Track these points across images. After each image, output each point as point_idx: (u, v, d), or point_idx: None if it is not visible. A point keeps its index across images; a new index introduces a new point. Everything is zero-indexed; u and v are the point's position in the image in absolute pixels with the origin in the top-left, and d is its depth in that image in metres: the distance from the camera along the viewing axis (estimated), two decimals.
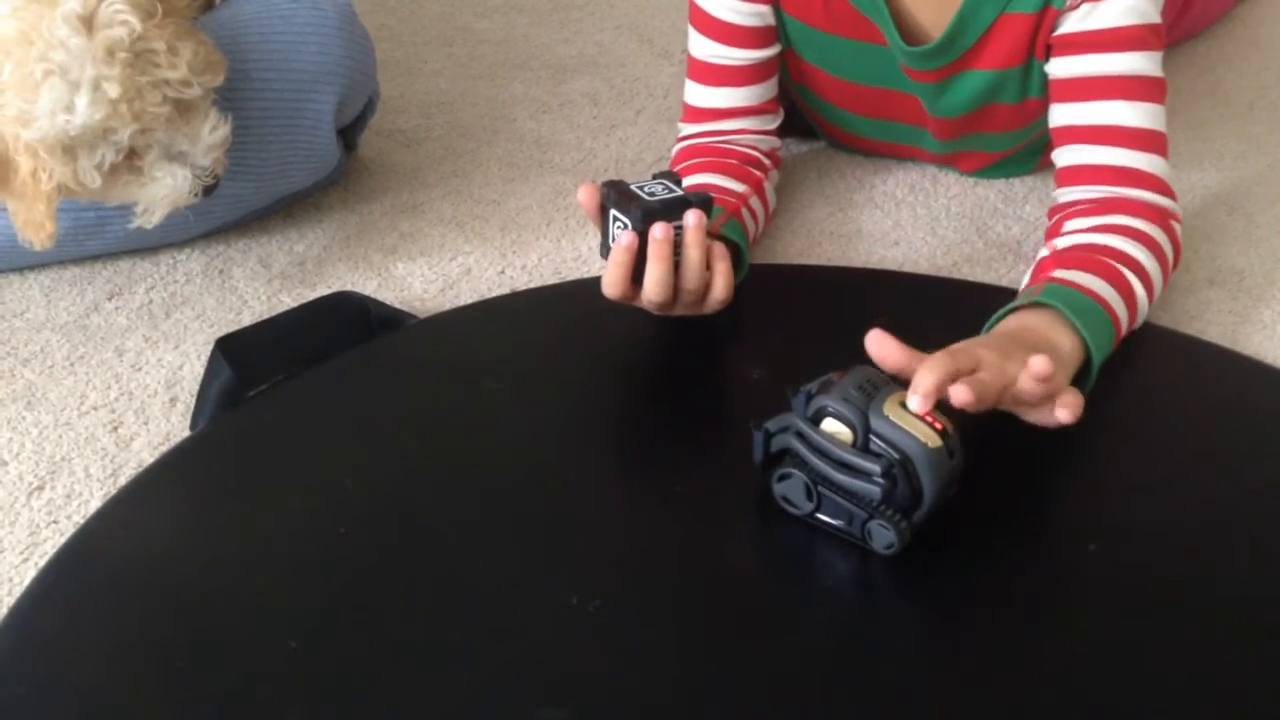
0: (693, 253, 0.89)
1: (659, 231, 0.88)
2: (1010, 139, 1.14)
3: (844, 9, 1.04)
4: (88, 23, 0.87)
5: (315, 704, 0.70)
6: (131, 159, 0.94)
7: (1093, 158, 0.99)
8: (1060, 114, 1.02)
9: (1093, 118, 1.00)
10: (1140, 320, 0.94)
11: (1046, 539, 0.80)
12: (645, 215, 0.88)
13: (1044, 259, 0.95)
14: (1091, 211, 0.97)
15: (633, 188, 0.91)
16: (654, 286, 0.89)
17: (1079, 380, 0.86)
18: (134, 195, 0.96)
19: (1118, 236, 0.95)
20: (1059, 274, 0.91)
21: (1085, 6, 0.98)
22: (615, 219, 0.90)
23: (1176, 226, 0.99)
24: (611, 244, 0.90)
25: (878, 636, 0.75)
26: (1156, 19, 0.99)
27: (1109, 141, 0.99)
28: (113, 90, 0.88)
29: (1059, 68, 1.01)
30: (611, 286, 0.90)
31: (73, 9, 0.87)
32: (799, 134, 1.23)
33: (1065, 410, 0.78)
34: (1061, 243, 0.96)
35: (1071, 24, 0.99)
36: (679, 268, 0.90)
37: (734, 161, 1.07)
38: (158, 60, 0.90)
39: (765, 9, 1.06)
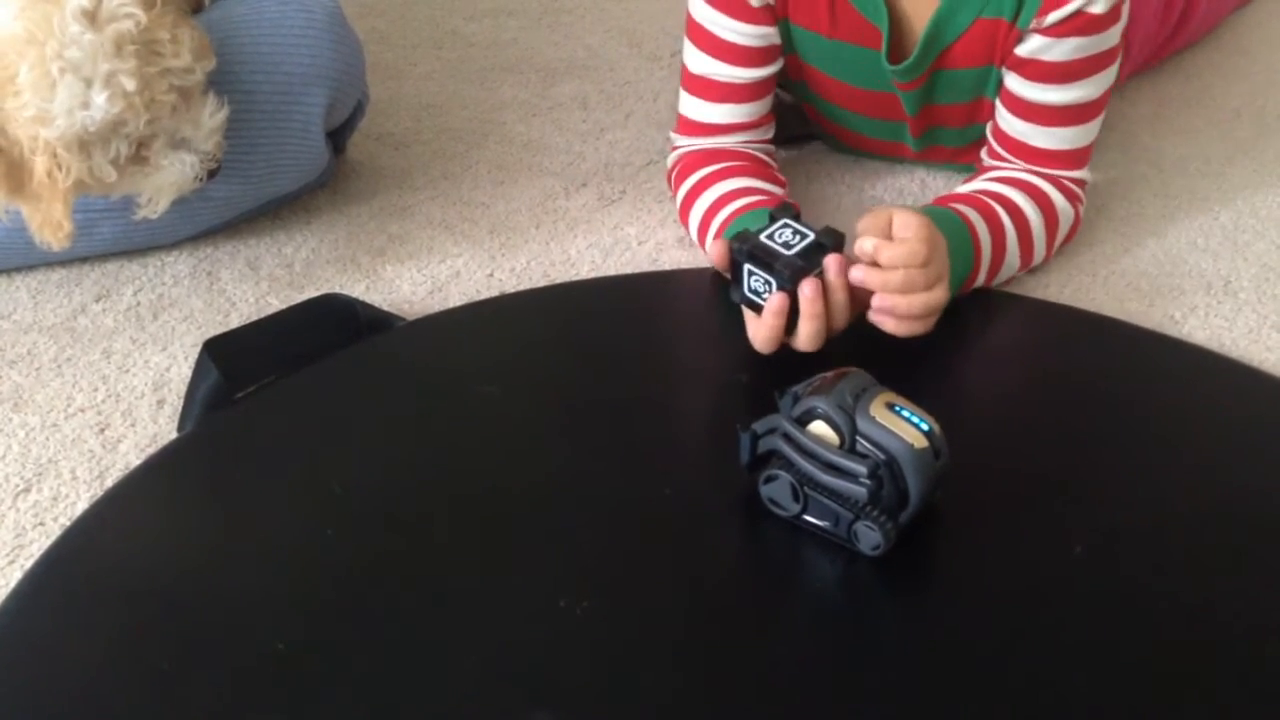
0: (839, 296, 0.89)
1: (809, 289, 0.88)
2: (967, 134, 1.16)
3: (849, 15, 1.05)
4: (94, 17, 0.87)
5: (302, 706, 0.70)
6: (138, 149, 0.94)
7: (1018, 165, 1.07)
8: (1003, 120, 1.06)
9: (1031, 138, 1.05)
10: (1009, 246, 1.01)
11: (1033, 541, 0.80)
12: (794, 275, 0.88)
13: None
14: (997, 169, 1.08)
15: (763, 239, 0.90)
16: (809, 341, 0.89)
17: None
18: (140, 186, 0.97)
19: (1008, 186, 1.04)
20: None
21: (1049, 40, 0.99)
22: (752, 274, 0.89)
23: (1080, 200, 1.08)
24: (748, 293, 0.90)
25: (864, 638, 0.75)
26: (1114, 43, 1.01)
27: (1039, 163, 1.06)
28: (129, 83, 0.88)
29: (1013, 83, 1.04)
30: (766, 345, 0.91)
31: (80, 4, 0.87)
32: (787, 143, 1.24)
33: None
34: (961, 189, 1.07)
35: (1031, 48, 1.00)
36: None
37: (757, 164, 1.09)
38: (162, 49, 0.91)
39: (769, 30, 1.06)
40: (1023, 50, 1.01)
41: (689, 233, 1.09)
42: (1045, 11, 0.97)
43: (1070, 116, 1.04)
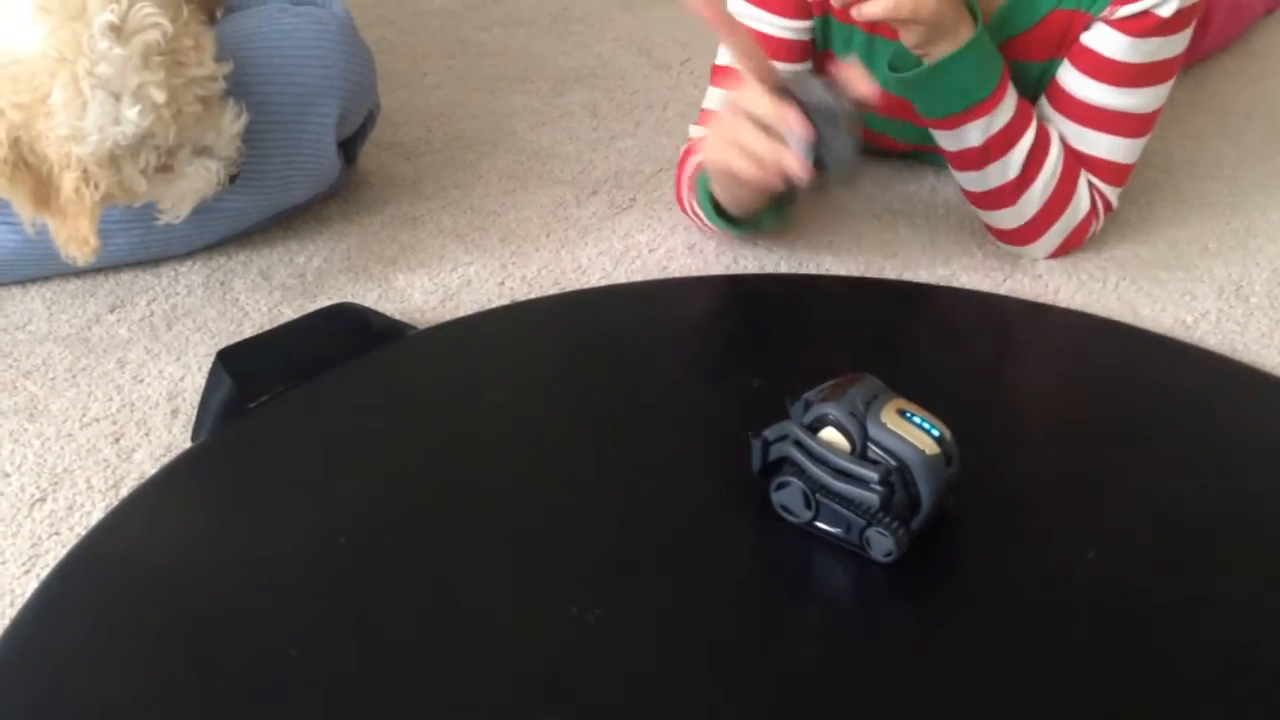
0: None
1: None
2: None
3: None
4: (121, 31, 0.88)
5: (316, 714, 0.70)
6: (164, 159, 0.95)
7: None
8: (1046, 114, 1.04)
9: (1071, 140, 1.04)
10: (1023, 142, 1.00)
11: (1044, 546, 0.80)
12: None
13: None
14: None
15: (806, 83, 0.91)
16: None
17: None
18: (164, 194, 0.97)
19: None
20: None
21: (1113, 33, 0.98)
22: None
23: (1099, 214, 1.08)
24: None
25: (876, 645, 0.75)
26: (1176, 52, 1.00)
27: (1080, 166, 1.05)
28: (158, 95, 0.89)
29: (1064, 74, 1.02)
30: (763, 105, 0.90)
31: (107, 19, 0.87)
32: None
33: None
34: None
35: (1093, 38, 0.99)
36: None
37: None
38: (187, 58, 0.91)
39: (805, 24, 1.07)
40: (1085, 38, 0.99)
41: (684, 210, 1.10)
42: (1120, 2, 0.97)
43: (1115, 124, 1.02)
